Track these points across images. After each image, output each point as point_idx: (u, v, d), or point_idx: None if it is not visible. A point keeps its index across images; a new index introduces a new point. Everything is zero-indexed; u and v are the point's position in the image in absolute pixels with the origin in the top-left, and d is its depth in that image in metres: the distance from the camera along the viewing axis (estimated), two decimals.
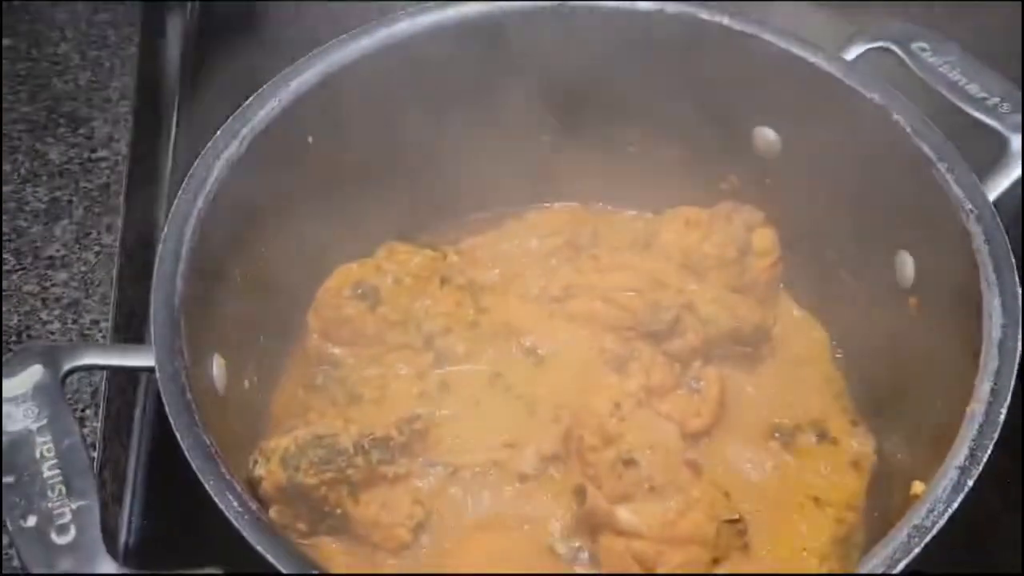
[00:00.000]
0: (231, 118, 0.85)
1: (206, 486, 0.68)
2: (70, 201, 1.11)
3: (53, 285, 1.05)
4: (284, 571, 0.66)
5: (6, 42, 1.23)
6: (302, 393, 0.96)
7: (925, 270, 0.87)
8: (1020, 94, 0.88)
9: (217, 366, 0.81)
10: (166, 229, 0.78)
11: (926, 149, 0.84)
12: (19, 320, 1.02)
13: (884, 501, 0.88)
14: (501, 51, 0.98)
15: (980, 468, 0.70)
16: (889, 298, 0.90)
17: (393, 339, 0.96)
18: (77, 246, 1.08)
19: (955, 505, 0.70)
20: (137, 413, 1.00)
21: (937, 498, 0.69)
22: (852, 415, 0.96)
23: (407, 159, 1.01)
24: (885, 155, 0.87)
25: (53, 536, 0.66)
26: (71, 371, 0.73)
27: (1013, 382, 0.75)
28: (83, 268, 1.06)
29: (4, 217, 1.08)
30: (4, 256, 1.06)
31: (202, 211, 0.79)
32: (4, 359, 0.74)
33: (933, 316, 0.85)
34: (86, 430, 0.95)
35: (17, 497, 0.67)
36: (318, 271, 0.97)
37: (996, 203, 0.83)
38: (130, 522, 0.94)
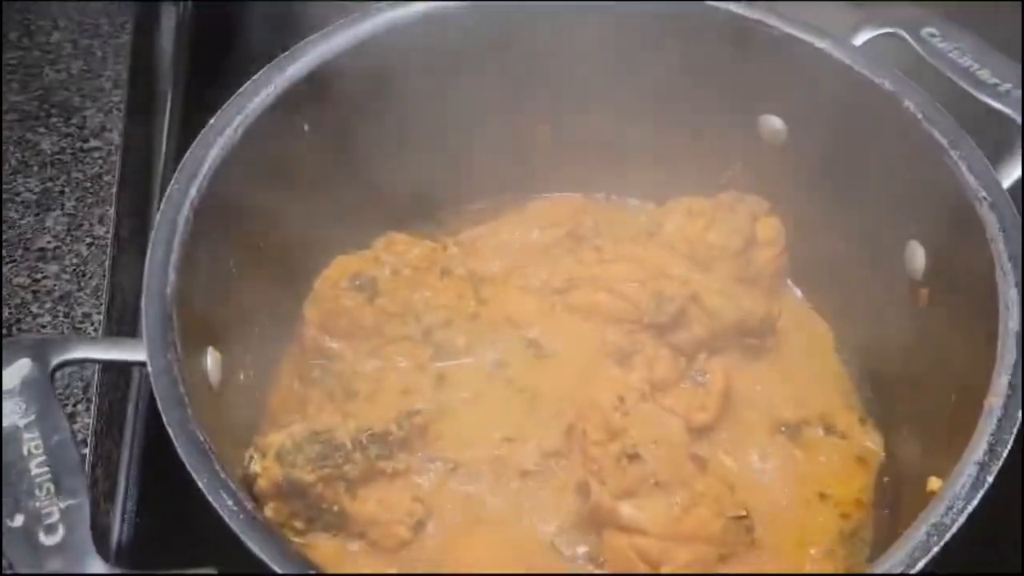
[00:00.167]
0: (225, 106, 0.83)
1: (199, 484, 0.66)
2: (62, 192, 1.09)
3: (44, 277, 1.03)
4: (280, 571, 0.65)
5: None
6: (299, 386, 0.94)
7: (936, 260, 0.85)
8: None
9: (212, 359, 0.79)
10: (158, 218, 0.76)
11: (937, 136, 0.82)
12: (9, 313, 0.99)
13: (893, 497, 0.86)
14: (501, 39, 0.96)
15: (1000, 463, 0.69)
16: (898, 289, 0.88)
17: (392, 331, 0.94)
18: (69, 238, 1.06)
19: (975, 502, 0.68)
20: (130, 409, 0.98)
21: (956, 495, 0.68)
22: (859, 409, 0.94)
23: (406, 148, 0.99)
24: (895, 143, 0.86)
25: (41, 536, 0.64)
26: (60, 365, 0.71)
27: None
28: (75, 260, 1.05)
29: None
30: None
31: (195, 200, 0.77)
32: None
33: (945, 307, 0.83)
34: (77, 426, 0.93)
35: (4, 496, 0.65)
36: (315, 262, 0.96)
37: (1009, 190, 0.81)
38: (122, 520, 0.92)
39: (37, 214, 1.07)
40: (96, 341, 0.75)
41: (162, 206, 0.77)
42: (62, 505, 0.63)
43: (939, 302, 0.84)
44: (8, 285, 1.01)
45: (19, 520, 0.64)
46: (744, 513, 0.83)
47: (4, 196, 1.08)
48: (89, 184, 1.11)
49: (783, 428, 0.93)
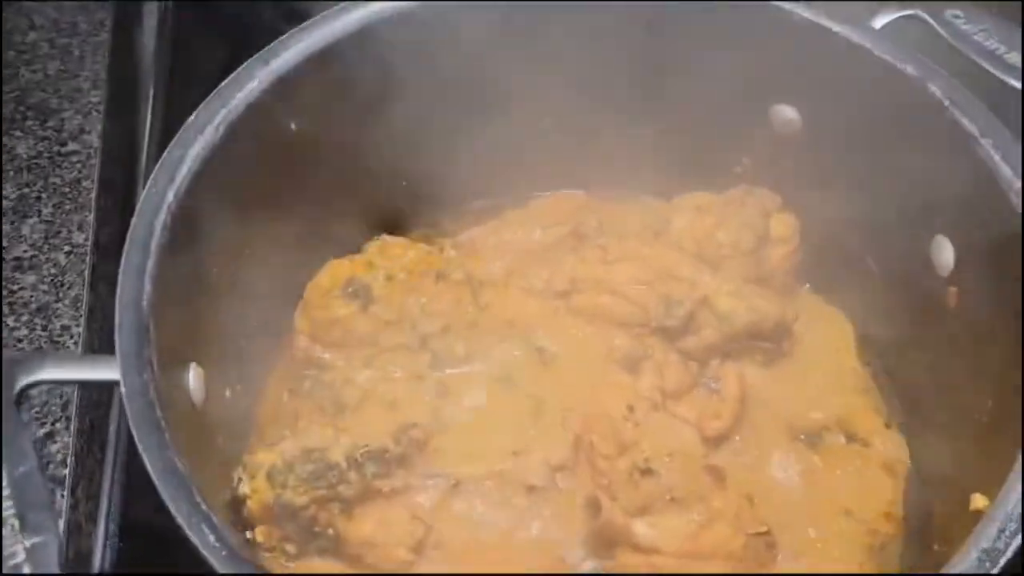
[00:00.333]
0: (205, 102, 0.78)
1: (177, 518, 0.60)
2: (39, 198, 1.05)
3: (21, 288, 0.98)
4: None
5: None
6: (289, 399, 0.90)
7: (966, 257, 0.80)
8: None
9: (194, 376, 0.74)
10: (133, 222, 0.71)
11: (967, 123, 0.77)
12: None
13: (924, 510, 0.81)
14: (500, 31, 0.91)
15: None
16: (924, 288, 0.84)
17: (387, 340, 0.90)
18: (46, 246, 1.01)
19: None
20: (112, 426, 0.93)
21: (1008, 515, 0.62)
22: (884, 415, 0.90)
23: (400, 145, 0.95)
24: (919, 131, 0.81)
25: None
26: (27, 387, 0.65)
27: None
28: (53, 270, 1.00)
29: None
30: None
31: (173, 204, 0.72)
32: None
33: (977, 308, 0.78)
34: (56, 446, 0.88)
35: None
36: (305, 268, 0.91)
37: None
38: (105, 545, 0.87)
39: (13, 222, 1.03)
40: (66, 359, 0.70)
41: (137, 210, 0.72)
42: (27, 543, 0.58)
43: (970, 302, 0.79)
44: None
45: None
46: (765, 529, 0.78)
47: None
48: (67, 189, 1.06)
49: (802, 436, 0.88)
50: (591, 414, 0.84)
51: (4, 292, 0.97)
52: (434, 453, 0.83)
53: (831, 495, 0.85)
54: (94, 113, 1.13)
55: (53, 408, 0.90)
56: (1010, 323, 0.72)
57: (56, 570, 0.58)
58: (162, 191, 0.72)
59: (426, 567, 0.79)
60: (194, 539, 0.60)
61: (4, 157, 1.07)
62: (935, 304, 0.82)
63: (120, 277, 0.68)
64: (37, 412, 0.88)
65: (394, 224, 0.97)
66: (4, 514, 0.59)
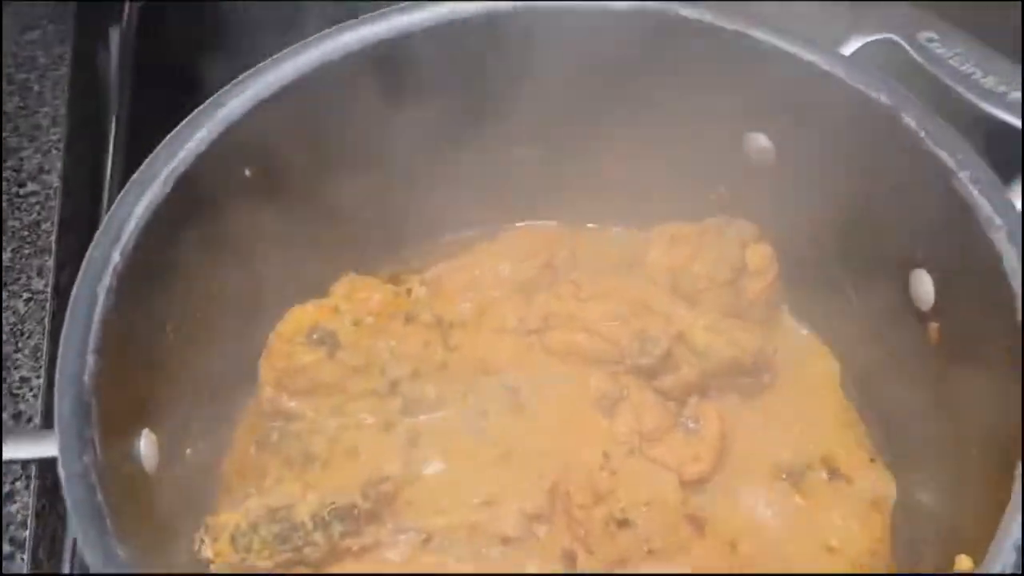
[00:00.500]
0: (150, 157, 0.75)
1: None
2: None
3: None
4: None
5: None
6: (256, 452, 0.87)
7: (948, 292, 0.77)
8: None
9: (146, 443, 0.71)
10: (74, 292, 0.68)
11: (944, 157, 0.74)
12: None
13: (913, 548, 0.79)
14: (465, 62, 0.88)
15: None
16: (904, 321, 0.81)
17: (355, 386, 0.87)
18: (5, 293, 0.99)
19: None
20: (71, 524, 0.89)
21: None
22: (868, 449, 0.87)
23: (363, 182, 0.92)
24: (895, 162, 0.78)
25: None
26: None
27: None
28: (11, 318, 0.97)
29: None
30: None
31: (119, 265, 0.69)
32: None
33: (960, 346, 0.75)
34: (16, 506, 0.86)
35: None
36: (268, 314, 0.88)
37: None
38: None
39: None
40: (19, 435, 0.66)
41: (79, 277, 0.68)
42: None
43: (952, 340, 0.76)
44: None
45: None
46: None
47: None
48: (26, 232, 1.04)
49: (785, 474, 0.85)
50: (566, 461, 0.82)
51: None
52: (404, 506, 0.81)
53: (815, 534, 0.83)
54: (54, 151, 1.10)
55: (12, 466, 0.87)
56: (993, 367, 0.70)
57: None
58: (106, 253, 0.69)
59: None
60: None
61: None
62: (917, 338, 0.80)
63: (59, 352, 0.65)
64: None
65: (360, 262, 0.95)
66: None
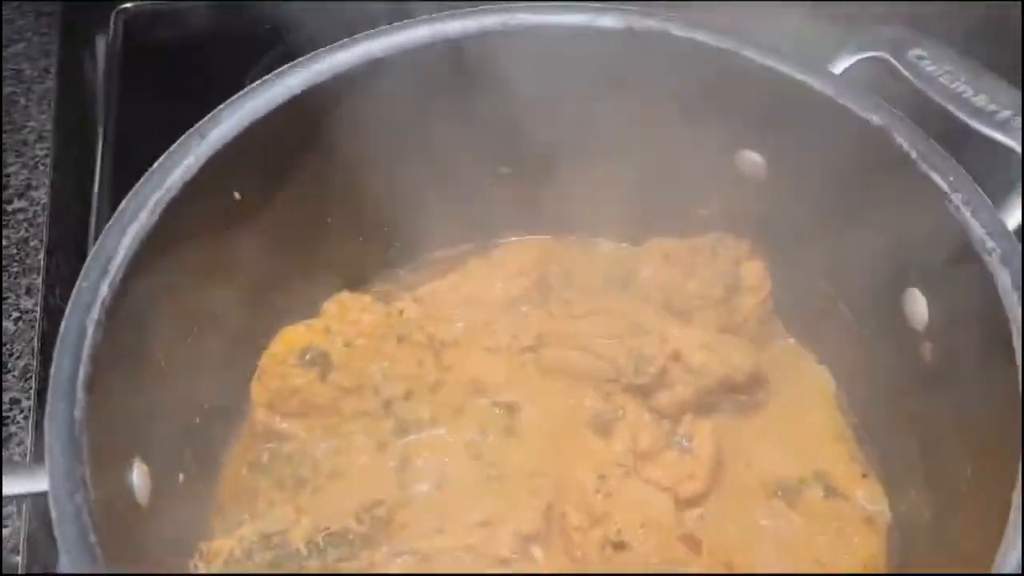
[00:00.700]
0: (137, 186, 0.74)
1: None
2: None
3: None
4: None
5: None
6: (248, 474, 0.86)
7: (942, 313, 0.77)
8: None
9: (138, 474, 0.71)
10: (63, 327, 0.67)
11: (937, 179, 0.74)
12: None
13: (910, 563, 0.79)
14: (450, 76, 0.88)
15: None
16: (898, 339, 0.81)
17: (348, 408, 0.87)
18: None
19: None
20: None
21: None
22: (861, 464, 0.87)
23: (353, 200, 0.92)
24: (887, 182, 0.78)
25: None
26: None
27: None
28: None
29: None
30: None
31: (107, 299, 0.68)
32: None
33: (955, 366, 0.75)
34: (7, 530, 0.85)
35: None
36: (260, 335, 0.88)
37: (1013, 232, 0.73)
38: None
39: None
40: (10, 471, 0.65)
41: (67, 312, 0.68)
42: None
43: (946, 360, 0.76)
44: None
45: None
46: None
47: None
48: (14, 251, 1.03)
49: (780, 492, 0.85)
50: (561, 481, 0.82)
51: None
52: (400, 528, 0.81)
53: (810, 551, 0.83)
54: (41, 167, 1.09)
55: None
56: (988, 388, 0.70)
57: None
58: (94, 285, 0.68)
59: None
60: None
61: None
62: (912, 357, 0.80)
63: (49, 388, 0.65)
64: None
65: (351, 280, 0.94)
66: None
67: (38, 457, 0.87)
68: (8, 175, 1.08)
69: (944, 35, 0.82)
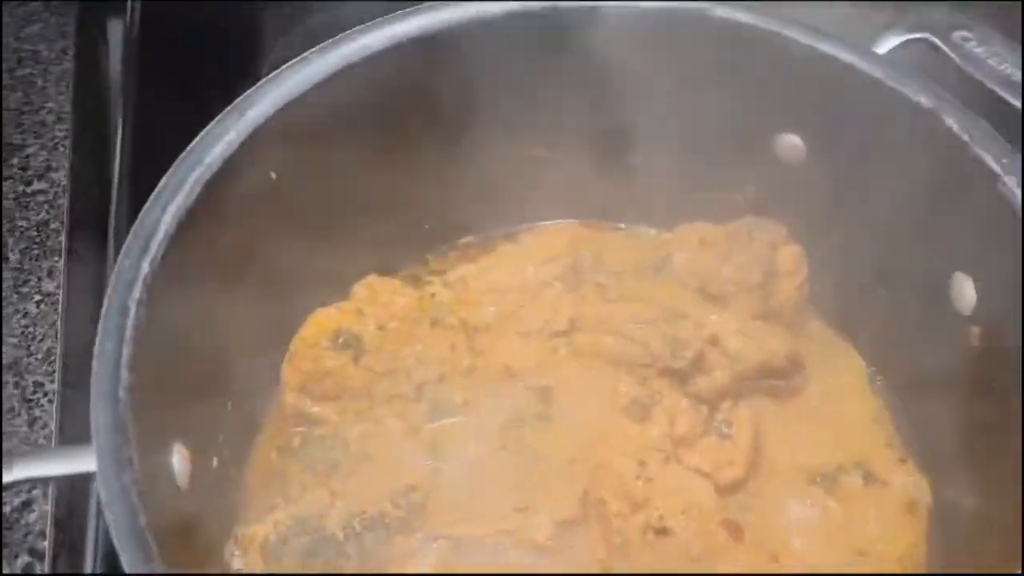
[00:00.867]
0: (176, 162, 0.73)
1: None
2: (4, 243, 0.99)
3: None
4: None
5: None
6: (278, 458, 0.85)
7: (990, 297, 0.76)
8: None
9: (178, 458, 0.70)
10: (105, 304, 0.66)
11: (989, 161, 0.73)
12: None
13: (951, 550, 0.78)
14: (486, 59, 0.87)
15: None
16: (943, 323, 0.80)
17: (382, 392, 0.86)
18: (15, 296, 0.97)
19: None
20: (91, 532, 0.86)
21: None
22: (899, 450, 0.86)
23: (385, 183, 0.90)
24: (936, 166, 0.77)
25: None
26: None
27: None
28: (23, 321, 0.95)
29: None
30: None
31: (149, 276, 0.67)
32: None
33: (1003, 350, 0.74)
34: (34, 515, 0.83)
35: None
36: (291, 317, 0.87)
37: None
38: None
39: None
40: (33, 455, 0.64)
41: (109, 289, 0.66)
42: None
43: (995, 343, 0.75)
44: None
45: None
46: None
47: None
48: (35, 233, 1.02)
49: (819, 478, 0.84)
50: (599, 467, 0.81)
51: None
52: (434, 513, 0.80)
53: (850, 540, 0.82)
54: (60, 148, 1.08)
55: (27, 518, 0.84)
56: None
57: None
58: (135, 263, 0.67)
59: None
60: None
61: None
62: (956, 341, 0.79)
63: (94, 367, 0.63)
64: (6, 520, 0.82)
65: (382, 264, 0.93)
66: None
67: (63, 440, 0.88)
68: (28, 156, 1.07)
69: (990, 16, 0.81)
